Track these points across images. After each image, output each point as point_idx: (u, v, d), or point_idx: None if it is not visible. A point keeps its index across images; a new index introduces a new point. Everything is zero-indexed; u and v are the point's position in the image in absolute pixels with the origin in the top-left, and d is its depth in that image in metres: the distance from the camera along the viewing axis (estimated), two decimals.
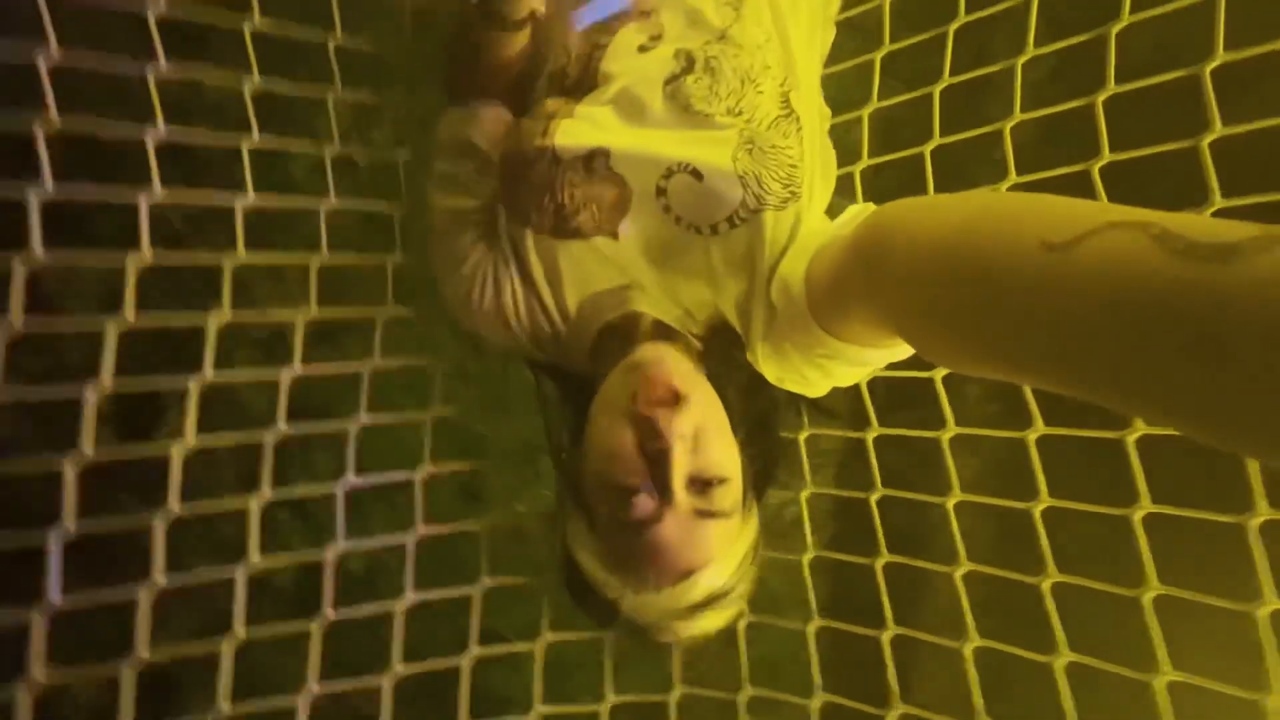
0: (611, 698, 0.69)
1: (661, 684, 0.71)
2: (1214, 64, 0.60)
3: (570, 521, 0.58)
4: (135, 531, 0.56)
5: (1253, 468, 0.52)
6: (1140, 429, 0.58)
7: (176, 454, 0.58)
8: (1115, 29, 0.66)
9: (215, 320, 0.60)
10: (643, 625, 0.55)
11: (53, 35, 0.52)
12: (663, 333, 0.63)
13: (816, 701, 0.68)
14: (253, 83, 0.63)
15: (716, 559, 0.51)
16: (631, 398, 0.53)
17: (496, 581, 0.68)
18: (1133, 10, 0.65)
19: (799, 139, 0.67)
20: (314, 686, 0.59)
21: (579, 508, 0.57)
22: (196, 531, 0.60)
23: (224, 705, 0.55)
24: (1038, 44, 0.70)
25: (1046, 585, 0.61)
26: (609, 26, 0.65)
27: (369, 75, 0.74)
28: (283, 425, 0.63)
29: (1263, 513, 0.51)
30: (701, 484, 0.51)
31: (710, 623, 0.54)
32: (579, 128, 0.64)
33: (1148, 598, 0.56)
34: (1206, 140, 0.60)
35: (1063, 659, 0.58)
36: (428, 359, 0.75)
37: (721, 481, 0.52)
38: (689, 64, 0.64)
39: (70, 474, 0.53)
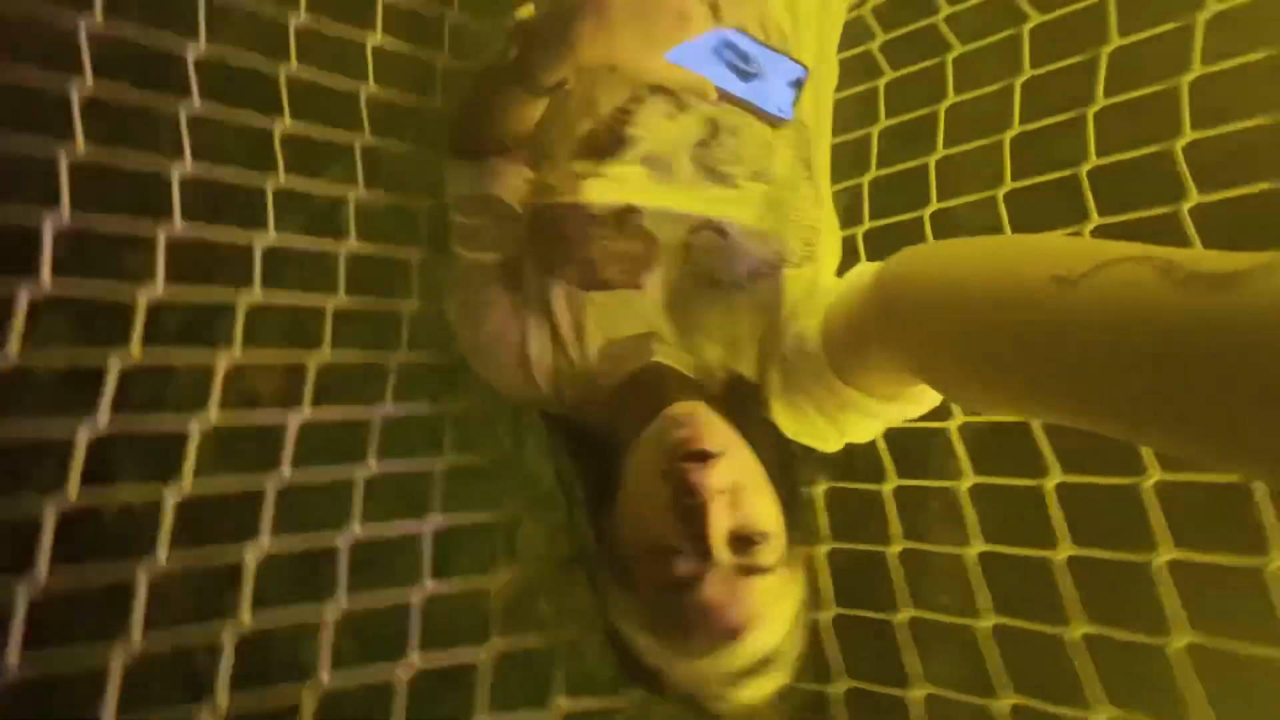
0: None
1: None
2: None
3: (609, 589, 0.56)
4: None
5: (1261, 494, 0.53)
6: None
7: (171, 498, 0.54)
8: (1093, 111, 0.73)
9: (225, 359, 0.58)
10: (691, 694, 0.52)
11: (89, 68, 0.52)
12: (689, 386, 0.63)
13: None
14: (283, 124, 0.63)
15: (764, 618, 0.49)
16: (666, 456, 0.52)
17: (507, 644, 0.64)
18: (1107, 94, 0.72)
19: (816, 201, 0.71)
20: None
21: (617, 573, 0.54)
22: (185, 585, 0.55)
23: None
24: (1022, 117, 0.77)
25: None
26: (637, 94, 0.68)
27: (396, 126, 0.75)
28: (287, 470, 0.59)
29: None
30: (743, 540, 0.50)
31: (761, 689, 0.51)
32: (609, 186, 0.66)
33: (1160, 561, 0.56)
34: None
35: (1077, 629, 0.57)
36: (440, 406, 0.73)
37: (763, 537, 0.50)
38: (715, 129, 0.68)
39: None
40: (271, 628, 0.55)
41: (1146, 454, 0.60)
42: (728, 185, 0.67)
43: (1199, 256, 0.31)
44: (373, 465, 0.65)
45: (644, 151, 0.67)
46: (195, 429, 0.56)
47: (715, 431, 0.54)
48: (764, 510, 0.52)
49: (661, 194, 0.66)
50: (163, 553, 0.53)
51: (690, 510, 0.49)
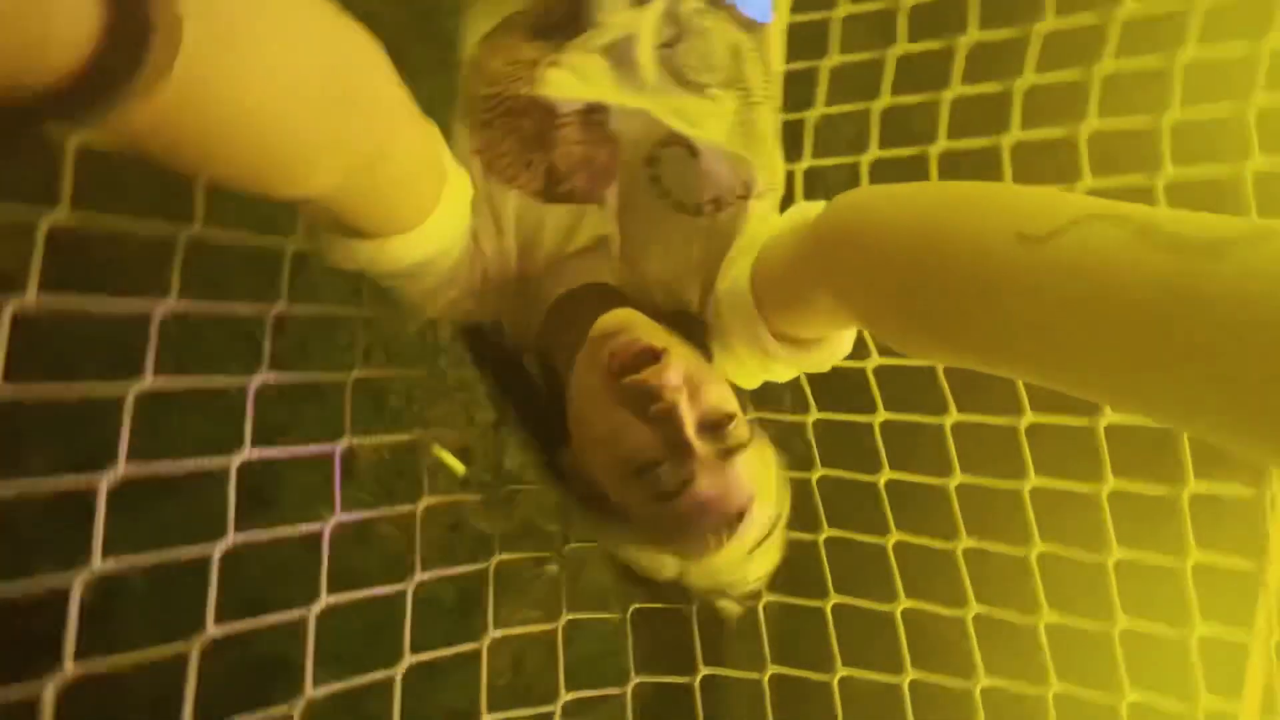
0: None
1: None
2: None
3: (597, 524, 0.55)
4: None
5: None
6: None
7: None
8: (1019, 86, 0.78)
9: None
10: (714, 587, 0.53)
11: None
12: (621, 300, 0.61)
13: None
14: None
15: (759, 489, 0.50)
16: (613, 371, 0.49)
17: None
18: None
19: (776, 128, 0.69)
20: None
21: (598, 505, 0.53)
22: None
23: None
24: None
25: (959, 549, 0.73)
26: None
27: None
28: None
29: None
30: (712, 427, 0.49)
31: (772, 555, 0.53)
32: (568, 79, 0.59)
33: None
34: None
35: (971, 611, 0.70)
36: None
37: (729, 417, 0.50)
38: (680, 30, 0.62)
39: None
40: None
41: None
42: (699, 94, 0.62)
43: (1178, 219, 0.30)
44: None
45: (606, 40, 0.60)
46: None
47: (653, 330, 0.52)
48: (721, 392, 0.51)
49: (628, 96, 0.60)
50: None
51: (660, 415, 0.47)
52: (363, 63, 0.38)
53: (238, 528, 0.55)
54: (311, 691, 0.53)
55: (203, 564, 0.52)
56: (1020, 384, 0.72)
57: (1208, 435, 0.30)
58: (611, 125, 0.59)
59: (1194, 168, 0.70)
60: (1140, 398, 0.32)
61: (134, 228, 0.50)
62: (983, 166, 0.78)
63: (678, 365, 0.49)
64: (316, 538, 0.99)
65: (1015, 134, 0.77)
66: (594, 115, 0.59)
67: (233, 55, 0.29)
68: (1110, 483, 0.68)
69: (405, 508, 0.65)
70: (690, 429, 0.48)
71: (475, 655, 0.69)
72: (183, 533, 0.54)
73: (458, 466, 1.54)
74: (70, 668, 0.42)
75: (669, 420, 0.47)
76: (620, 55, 0.60)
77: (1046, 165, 0.77)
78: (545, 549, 0.79)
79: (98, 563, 0.44)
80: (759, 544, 0.51)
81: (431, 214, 0.50)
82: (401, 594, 0.63)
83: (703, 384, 0.50)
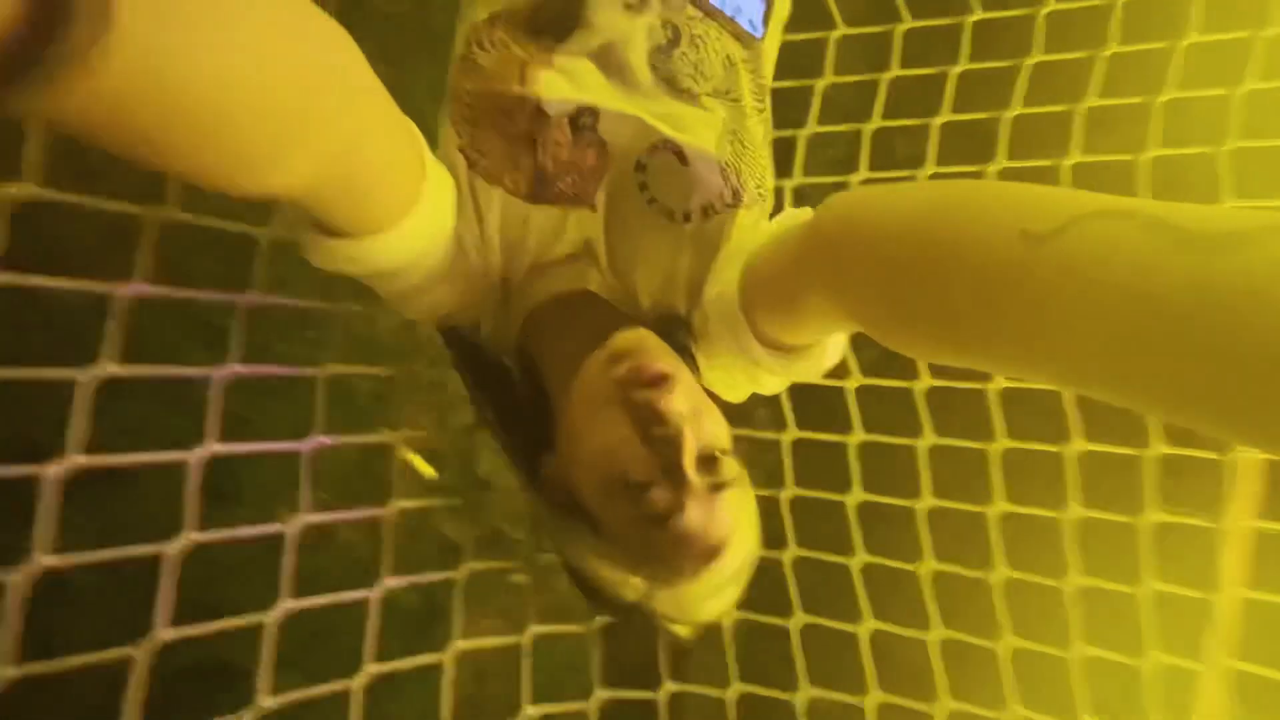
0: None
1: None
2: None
3: (566, 534, 0.53)
4: None
5: None
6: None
7: None
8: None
9: None
10: (671, 616, 0.52)
11: None
12: (619, 316, 0.60)
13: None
14: None
15: (738, 530, 0.50)
16: (620, 386, 0.49)
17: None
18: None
19: (768, 141, 0.69)
20: None
21: (576, 516, 0.52)
22: None
23: None
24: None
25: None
26: None
27: None
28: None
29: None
30: (707, 460, 0.49)
31: (732, 594, 0.53)
32: (559, 81, 0.58)
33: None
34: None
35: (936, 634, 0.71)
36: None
37: (725, 452, 0.50)
38: (675, 37, 0.62)
39: None
40: None
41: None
42: (691, 102, 0.61)
43: (1186, 213, 0.29)
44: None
45: (597, 43, 0.59)
46: None
47: (666, 355, 0.52)
48: (719, 426, 0.51)
49: (620, 100, 0.59)
50: None
51: (664, 440, 0.47)
52: (330, 50, 0.37)
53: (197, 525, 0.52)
54: (265, 701, 0.50)
55: (155, 563, 0.50)
56: (994, 408, 0.73)
57: (1220, 431, 0.29)
58: (601, 129, 0.59)
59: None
60: (1150, 393, 0.30)
61: (103, 205, 0.47)
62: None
63: (684, 393, 0.49)
64: (275, 538, 0.96)
65: (1002, 162, 0.79)
66: (583, 118, 0.58)
67: (179, 26, 0.28)
68: (1072, 511, 0.69)
69: (373, 510, 0.63)
70: (689, 458, 0.48)
71: (437, 666, 0.67)
72: (136, 530, 0.52)
73: (428, 470, 1.51)
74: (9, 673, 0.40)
75: (670, 445, 0.47)
76: (611, 60, 0.60)
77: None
78: (512, 557, 0.78)
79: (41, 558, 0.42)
80: (729, 580, 0.51)
81: (410, 212, 0.49)
82: (360, 600, 0.61)
83: (703, 415, 0.50)
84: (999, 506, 0.72)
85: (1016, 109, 0.77)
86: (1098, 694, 0.67)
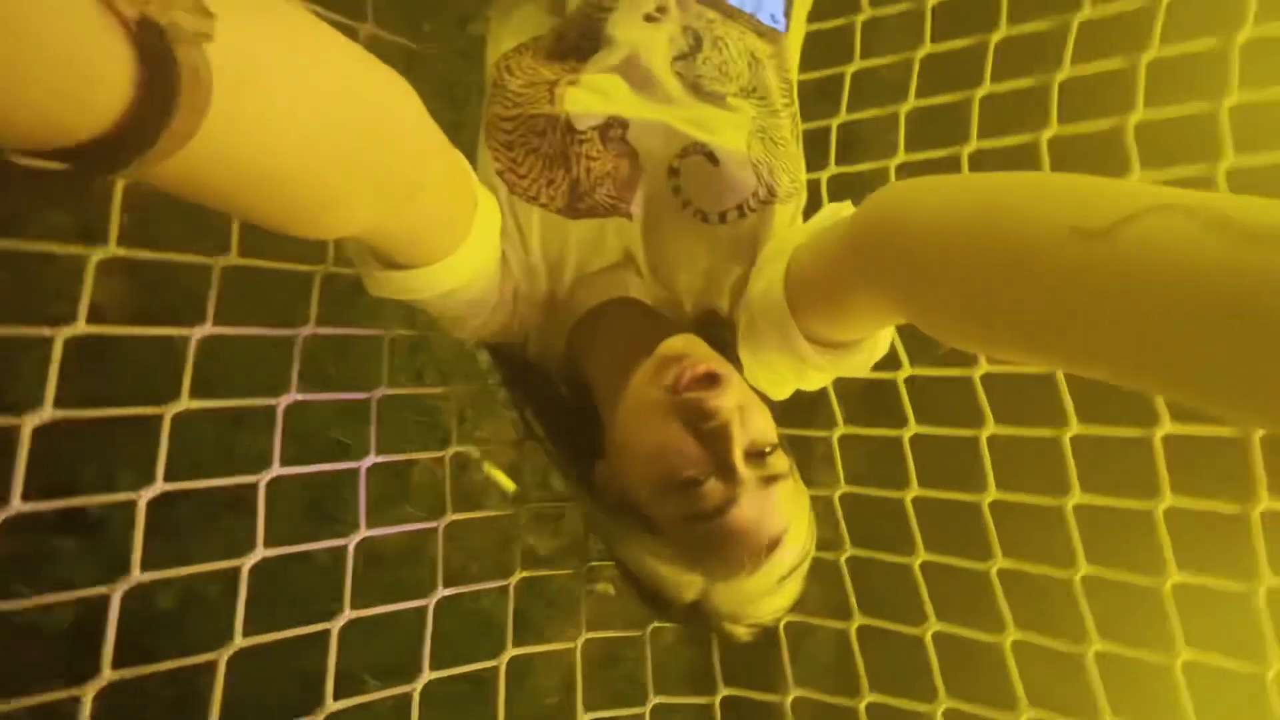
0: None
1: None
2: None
3: (622, 538, 0.55)
4: None
5: None
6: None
7: None
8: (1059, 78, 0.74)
9: None
10: (731, 615, 0.53)
11: None
12: (664, 322, 0.62)
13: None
14: None
15: (793, 522, 0.50)
16: (670, 388, 0.50)
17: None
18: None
19: (797, 134, 0.68)
20: None
21: (631, 519, 0.53)
22: None
23: None
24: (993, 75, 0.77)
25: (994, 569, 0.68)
26: None
27: None
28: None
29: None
30: (757, 454, 0.50)
31: (791, 592, 0.53)
32: (587, 96, 0.60)
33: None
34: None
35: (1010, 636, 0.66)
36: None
37: (773, 446, 0.51)
38: (697, 42, 0.63)
39: None
40: None
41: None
42: (718, 104, 0.62)
43: (1251, 208, 0.28)
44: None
45: (621, 57, 0.61)
46: None
47: (714, 356, 0.53)
48: (767, 422, 0.52)
49: (647, 109, 0.61)
50: None
51: (713, 434, 0.49)
52: (391, 100, 0.38)
53: (298, 541, 0.58)
54: (333, 705, 0.55)
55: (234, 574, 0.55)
56: (1066, 396, 0.67)
57: None
58: (631, 138, 0.60)
59: (1257, 155, 0.64)
60: (1217, 393, 0.29)
61: (176, 258, 0.54)
62: (1019, 167, 0.74)
63: (734, 391, 0.51)
64: (379, 553, 1.03)
65: (1054, 129, 0.73)
66: (613, 130, 0.60)
67: (261, 102, 0.30)
68: (1168, 499, 0.62)
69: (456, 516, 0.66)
70: (738, 452, 0.49)
71: (529, 671, 0.70)
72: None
73: (508, 484, 1.57)
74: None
75: (721, 439, 0.49)
76: (636, 71, 0.61)
77: (1087, 161, 0.72)
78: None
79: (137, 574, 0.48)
80: (786, 576, 0.51)
81: (464, 241, 0.52)
82: (451, 608, 0.65)
83: (752, 412, 0.51)
84: (1076, 498, 0.66)
85: (1065, 72, 0.72)
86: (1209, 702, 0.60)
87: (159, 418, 0.53)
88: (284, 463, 0.61)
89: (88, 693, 0.44)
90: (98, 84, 0.24)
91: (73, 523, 1.17)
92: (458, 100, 1.57)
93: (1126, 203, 0.31)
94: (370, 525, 0.64)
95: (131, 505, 0.51)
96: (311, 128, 0.33)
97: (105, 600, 0.49)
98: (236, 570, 0.56)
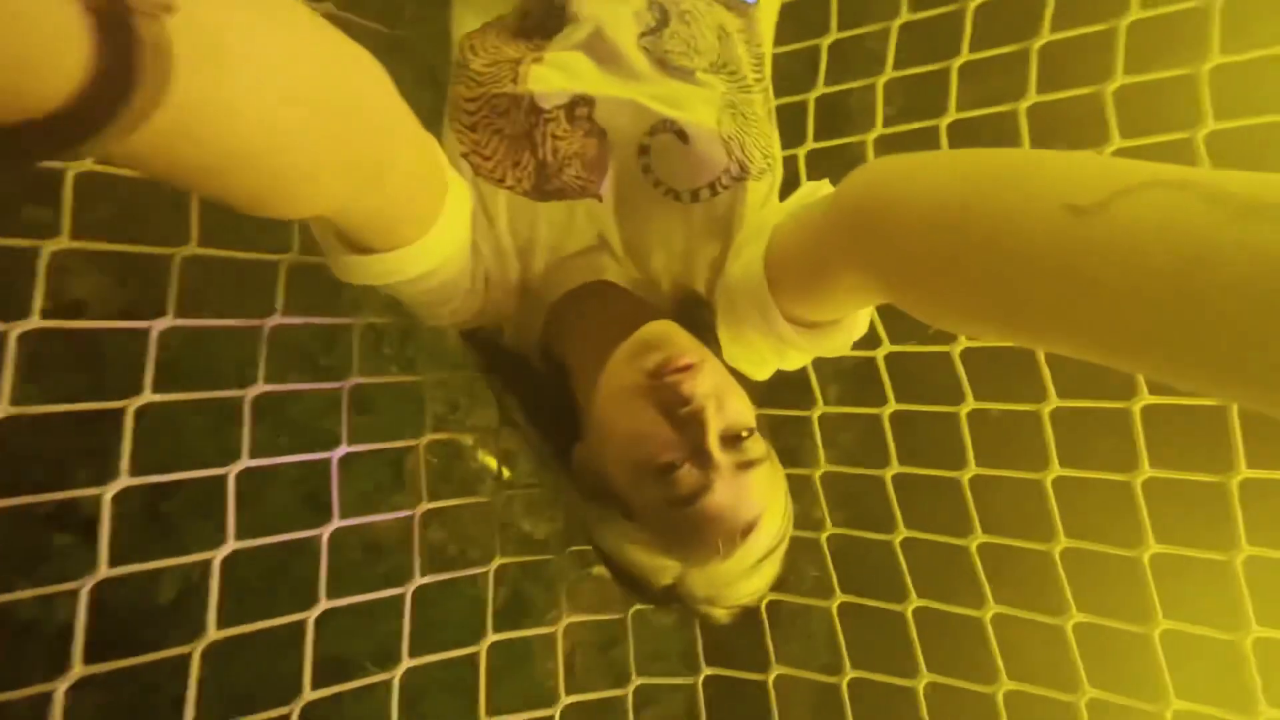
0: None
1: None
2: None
3: (599, 522, 0.55)
4: None
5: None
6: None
7: None
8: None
9: None
10: (708, 598, 0.53)
11: None
12: (640, 305, 0.61)
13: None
14: None
15: (769, 506, 0.50)
16: (648, 375, 0.50)
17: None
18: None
19: (770, 109, 0.67)
20: None
21: (607, 503, 0.53)
22: None
23: None
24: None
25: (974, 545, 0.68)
26: None
27: None
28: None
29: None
30: (733, 439, 0.50)
31: (768, 574, 0.53)
32: (552, 75, 0.58)
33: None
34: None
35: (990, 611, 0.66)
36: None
37: (750, 431, 0.51)
38: (663, 16, 0.61)
39: None
40: None
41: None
42: (687, 80, 0.61)
43: (1247, 181, 0.27)
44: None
45: (585, 33, 0.60)
46: None
47: (691, 344, 0.53)
48: (743, 406, 0.52)
49: (614, 86, 0.60)
50: None
51: (688, 419, 0.48)
52: (361, 78, 0.38)
53: (294, 528, 0.59)
54: (309, 694, 0.55)
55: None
56: (1045, 370, 0.67)
57: None
58: (598, 117, 0.59)
59: (1238, 120, 0.63)
60: (1210, 371, 0.28)
61: (132, 249, 0.53)
62: (999, 139, 0.73)
63: (709, 375, 0.50)
64: (376, 542, 1.03)
65: (1033, 97, 0.72)
66: (579, 108, 0.59)
67: (226, 77, 0.29)
68: (1146, 471, 0.62)
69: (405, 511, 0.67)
70: (714, 437, 0.49)
71: (529, 653, 0.70)
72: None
73: (503, 470, 1.58)
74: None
75: (696, 424, 0.48)
76: (602, 48, 0.60)
77: (1066, 130, 0.71)
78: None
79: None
80: (761, 560, 0.51)
81: (434, 225, 0.51)
82: (449, 593, 0.65)
83: (727, 396, 0.51)
84: (1055, 472, 0.66)
85: (1044, 38, 0.70)
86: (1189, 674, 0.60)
87: (150, 415, 0.52)
88: (279, 453, 0.62)
89: (58, 687, 0.44)
90: (51, 56, 0.24)
91: (69, 519, 1.18)
92: (440, 84, 1.55)
93: (1119, 178, 0.30)
94: (364, 514, 0.64)
95: (125, 499, 0.51)
96: (278, 105, 0.32)
97: (103, 595, 0.49)
98: (235, 562, 0.56)
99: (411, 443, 0.69)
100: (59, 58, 0.24)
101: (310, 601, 0.60)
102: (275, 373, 0.63)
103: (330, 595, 0.61)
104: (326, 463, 0.64)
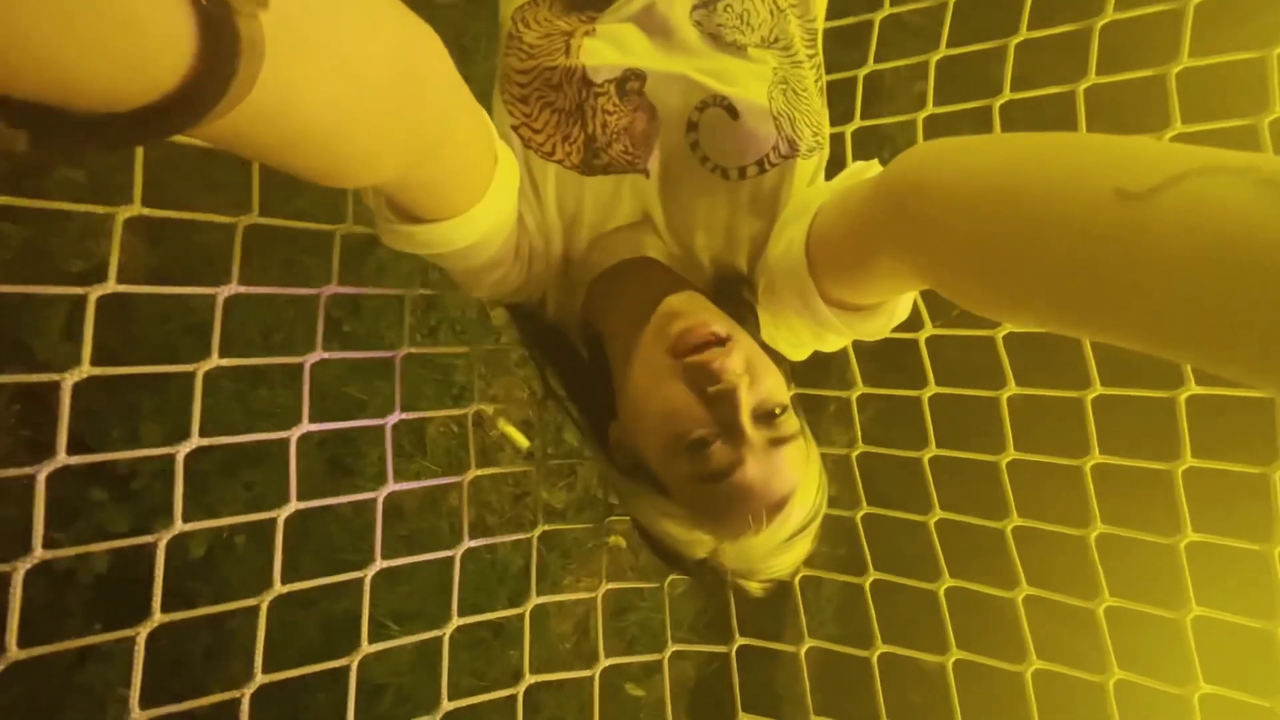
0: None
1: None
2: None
3: (636, 496, 0.56)
4: None
5: None
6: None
7: None
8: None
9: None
10: (742, 572, 0.54)
11: None
12: (678, 281, 0.61)
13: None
14: None
15: (801, 482, 0.51)
16: (674, 350, 0.51)
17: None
18: None
19: (821, 86, 0.66)
20: None
21: (643, 478, 0.54)
22: None
23: None
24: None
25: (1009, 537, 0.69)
26: None
27: None
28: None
29: None
30: (765, 416, 0.50)
31: (801, 550, 0.54)
32: (604, 48, 0.58)
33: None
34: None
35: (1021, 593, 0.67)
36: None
37: (783, 408, 0.51)
38: None
39: None
40: None
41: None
42: (738, 55, 0.60)
43: None
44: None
45: (638, 6, 0.59)
46: None
47: (718, 315, 0.53)
48: (776, 383, 0.52)
49: (665, 60, 0.59)
50: None
51: (719, 397, 0.49)
52: (425, 53, 0.38)
53: (320, 495, 0.59)
54: (367, 647, 0.57)
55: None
56: (1090, 358, 0.67)
57: None
58: (649, 91, 0.58)
59: None
60: (1263, 365, 0.28)
61: (200, 217, 0.54)
62: (1055, 122, 0.71)
63: (740, 352, 0.50)
64: (398, 506, 1.05)
65: (1092, 79, 0.70)
66: (630, 83, 0.58)
67: (309, 58, 0.30)
68: (1188, 461, 0.62)
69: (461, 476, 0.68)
70: (746, 414, 0.49)
71: (544, 616, 0.72)
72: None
73: (522, 440, 1.60)
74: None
75: (727, 401, 0.49)
76: (654, 21, 0.59)
77: (1125, 115, 0.70)
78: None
79: (179, 524, 0.49)
80: (794, 535, 0.52)
81: (484, 197, 0.51)
82: (467, 557, 0.66)
83: (760, 373, 0.51)
84: (1095, 458, 0.66)
85: (1108, 16, 0.68)
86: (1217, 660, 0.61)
87: (177, 375, 0.53)
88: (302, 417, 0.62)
89: (140, 633, 0.46)
90: (163, 54, 0.25)
91: (103, 475, 1.20)
92: (466, 50, 1.53)
93: (1171, 164, 0.29)
94: (383, 480, 0.65)
95: (156, 458, 0.52)
96: (350, 89, 0.32)
97: (137, 549, 0.51)
98: (262, 521, 0.57)
99: (457, 411, 0.70)
100: (169, 55, 0.25)
101: (333, 564, 0.62)
102: (304, 339, 0.64)
103: (351, 557, 0.62)
104: (345, 429, 0.65)
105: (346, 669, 0.56)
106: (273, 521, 0.56)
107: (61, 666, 1.10)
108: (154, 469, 1.32)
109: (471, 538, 0.68)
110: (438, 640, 0.62)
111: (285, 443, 0.58)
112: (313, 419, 0.61)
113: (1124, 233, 0.30)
